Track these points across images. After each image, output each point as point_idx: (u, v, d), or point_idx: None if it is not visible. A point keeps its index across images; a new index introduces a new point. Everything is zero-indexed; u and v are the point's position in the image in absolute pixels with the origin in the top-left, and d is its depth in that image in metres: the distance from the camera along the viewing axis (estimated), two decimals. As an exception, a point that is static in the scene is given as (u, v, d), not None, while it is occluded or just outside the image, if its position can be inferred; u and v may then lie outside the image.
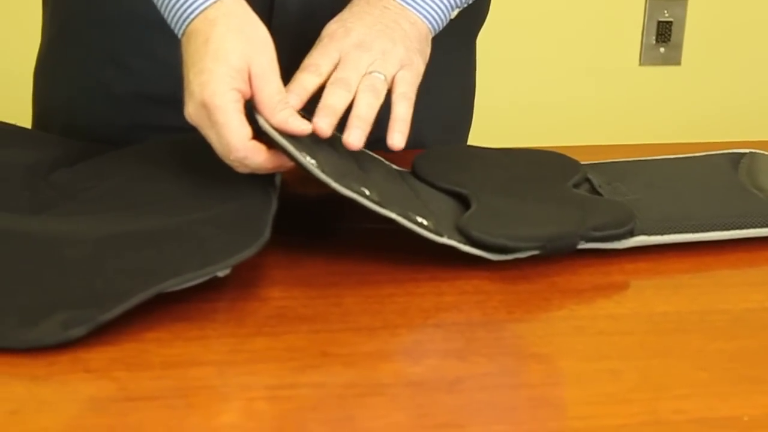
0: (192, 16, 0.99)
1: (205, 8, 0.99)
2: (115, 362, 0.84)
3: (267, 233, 0.95)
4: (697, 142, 1.25)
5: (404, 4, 1.08)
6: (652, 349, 0.90)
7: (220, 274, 0.93)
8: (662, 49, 2.46)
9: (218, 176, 1.05)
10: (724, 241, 1.05)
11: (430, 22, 1.09)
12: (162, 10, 1.02)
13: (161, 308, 0.89)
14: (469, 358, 0.88)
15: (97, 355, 0.85)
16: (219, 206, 1.00)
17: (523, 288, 0.97)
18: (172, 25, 1.01)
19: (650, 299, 0.97)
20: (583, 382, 0.86)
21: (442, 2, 1.09)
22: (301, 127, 0.97)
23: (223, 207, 1.00)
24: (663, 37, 2.46)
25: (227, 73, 0.96)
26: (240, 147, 0.96)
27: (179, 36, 1.01)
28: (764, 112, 2.45)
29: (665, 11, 2.45)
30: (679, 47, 2.48)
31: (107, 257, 0.94)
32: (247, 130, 0.96)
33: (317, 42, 1.05)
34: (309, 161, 0.96)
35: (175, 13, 1.00)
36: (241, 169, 0.98)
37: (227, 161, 0.98)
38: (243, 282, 0.95)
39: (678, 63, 2.47)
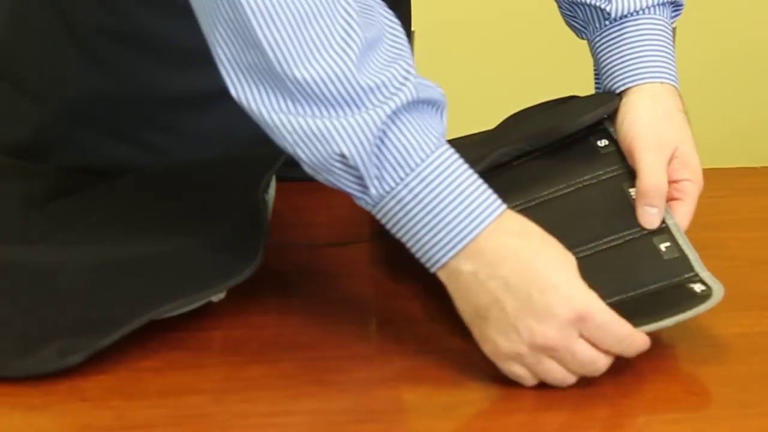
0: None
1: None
2: (111, 391, 0.85)
3: (260, 257, 0.95)
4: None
5: (671, 84, 1.05)
6: (643, 374, 0.90)
7: (215, 299, 0.93)
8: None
9: (211, 202, 1.06)
10: (712, 267, 1.05)
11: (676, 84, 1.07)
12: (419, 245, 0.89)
13: (157, 337, 0.90)
14: (463, 383, 0.88)
15: (94, 384, 0.85)
16: (212, 231, 1.00)
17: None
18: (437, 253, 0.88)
19: (641, 324, 0.97)
20: (576, 407, 0.86)
21: (673, 58, 1.06)
22: None
23: (215, 232, 1.00)
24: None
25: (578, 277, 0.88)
26: (628, 331, 0.88)
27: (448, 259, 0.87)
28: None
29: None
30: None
31: (102, 285, 0.94)
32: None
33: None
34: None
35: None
36: (629, 354, 0.89)
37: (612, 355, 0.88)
38: (238, 310, 0.96)
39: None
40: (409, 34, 1.32)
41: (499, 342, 0.87)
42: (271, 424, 0.83)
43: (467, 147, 1.00)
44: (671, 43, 1.07)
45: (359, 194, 0.88)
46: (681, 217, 0.98)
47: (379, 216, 0.88)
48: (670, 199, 0.99)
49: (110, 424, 0.81)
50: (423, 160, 0.86)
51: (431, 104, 0.89)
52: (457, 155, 0.87)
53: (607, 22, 1.07)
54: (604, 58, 1.07)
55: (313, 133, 0.86)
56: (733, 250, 1.07)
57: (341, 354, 0.91)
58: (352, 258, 1.05)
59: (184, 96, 1.14)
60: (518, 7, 2.31)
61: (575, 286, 0.87)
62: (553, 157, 1.01)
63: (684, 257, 0.95)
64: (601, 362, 0.87)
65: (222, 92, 1.14)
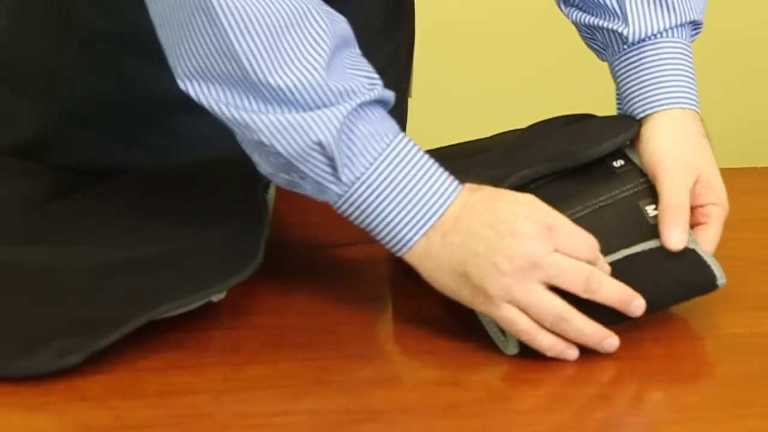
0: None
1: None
2: (110, 391, 0.85)
3: (260, 256, 0.95)
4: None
5: (692, 109, 1.05)
6: (643, 375, 0.90)
7: (215, 299, 0.93)
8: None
9: (211, 202, 1.06)
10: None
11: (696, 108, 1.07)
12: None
13: (156, 337, 0.90)
14: (462, 383, 0.88)
15: (93, 384, 0.85)
16: (211, 231, 1.00)
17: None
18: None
19: (641, 325, 0.97)
20: (576, 407, 0.86)
21: (693, 82, 1.06)
22: None
23: (215, 232, 1.00)
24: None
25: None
26: (593, 239, 0.92)
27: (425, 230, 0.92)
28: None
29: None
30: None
31: (102, 285, 0.94)
32: None
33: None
34: None
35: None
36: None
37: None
38: (237, 310, 0.96)
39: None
40: (413, 33, 1.32)
41: (486, 287, 0.89)
42: (271, 424, 0.83)
43: (485, 164, 1.02)
44: (691, 65, 1.07)
45: (330, 183, 0.91)
46: (707, 240, 0.98)
47: (345, 206, 0.92)
48: (695, 223, 0.99)
49: (109, 424, 0.81)
50: (388, 145, 0.91)
51: (385, 105, 0.94)
52: (412, 141, 0.92)
53: (625, 46, 1.07)
54: (624, 82, 1.07)
55: (290, 124, 0.90)
56: (733, 251, 1.07)
57: (340, 354, 0.91)
58: (352, 258, 1.05)
59: (185, 98, 1.14)
60: (519, 7, 2.32)
61: (533, 207, 0.91)
62: (570, 180, 1.01)
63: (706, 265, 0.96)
64: (585, 270, 0.90)
65: None
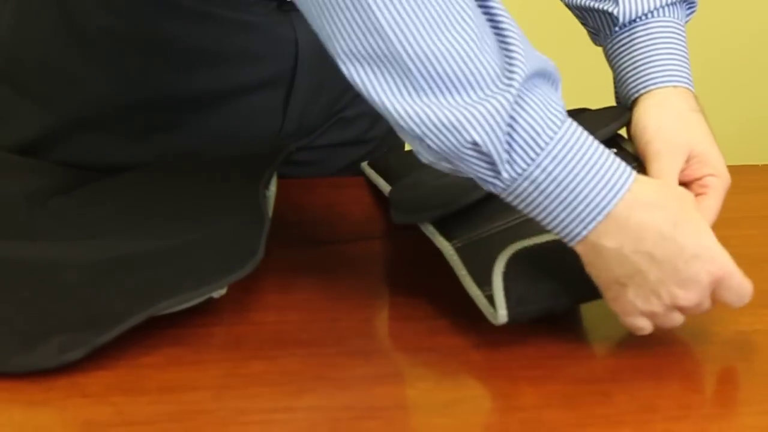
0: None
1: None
2: (112, 387, 0.85)
3: (261, 252, 0.95)
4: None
5: (684, 86, 1.05)
6: (643, 372, 0.90)
7: (216, 294, 0.93)
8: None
9: (211, 197, 1.06)
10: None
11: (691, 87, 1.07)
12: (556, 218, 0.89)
13: (157, 333, 0.90)
14: (462, 381, 0.88)
15: (94, 380, 0.85)
16: (212, 227, 1.00)
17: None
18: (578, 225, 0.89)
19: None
20: (576, 405, 0.86)
21: (685, 59, 1.06)
22: None
23: (216, 227, 1.00)
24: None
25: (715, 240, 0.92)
26: (750, 290, 0.93)
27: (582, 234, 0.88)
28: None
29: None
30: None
31: (103, 281, 0.94)
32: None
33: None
34: None
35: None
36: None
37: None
38: (238, 306, 0.96)
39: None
40: None
41: (637, 303, 0.90)
42: (272, 421, 0.83)
43: None
44: (683, 44, 1.06)
45: (490, 179, 0.88)
46: (706, 210, 0.98)
47: (510, 198, 0.89)
48: (695, 195, 0.98)
49: (110, 420, 0.82)
50: (552, 138, 0.86)
51: (546, 77, 0.89)
52: (580, 128, 0.88)
53: (617, 28, 1.07)
54: (617, 65, 1.07)
55: (443, 124, 0.86)
56: (734, 248, 1.06)
57: (341, 350, 0.91)
58: (353, 255, 1.05)
59: (189, 97, 1.14)
60: (521, 7, 2.31)
61: (714, 251, 0.90)
62: None
63: None
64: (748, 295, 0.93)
65: (226, 93, 1.15)
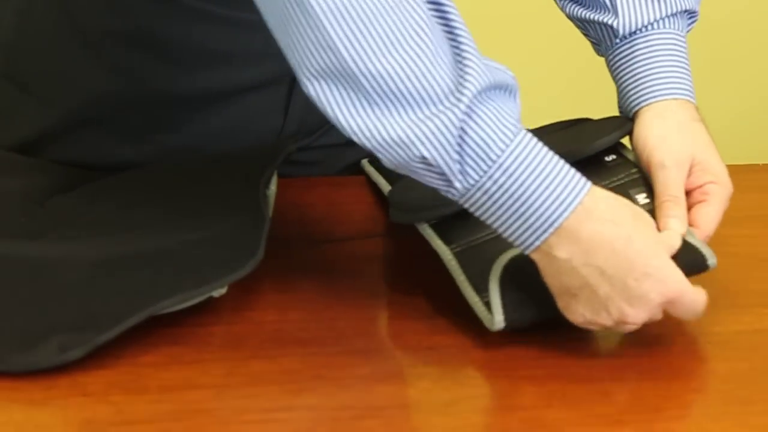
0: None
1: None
2: (112, 386, 0.85)
3: (261, 251, 0.95)
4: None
5: (685, 99, 1.05)
6: (644, 371, 0.90)
7: (216, 294, 0.93)
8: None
9: (212, 197, 1.06)
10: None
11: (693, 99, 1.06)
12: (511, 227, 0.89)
13: (158, 332, 0.90)
14: (462, 380, 0.88)
15: (95, 379, 0.85)
16: (213, 226, 1.01)
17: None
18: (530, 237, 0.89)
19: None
20: (576, 404, 0.86)
21: (686, 71, 1.06)
22: None
23: (216, 227, 1.00)
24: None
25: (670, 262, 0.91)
26: (703, 306, 0.92)
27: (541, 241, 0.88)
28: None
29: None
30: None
31: (103, 280, 0.94)
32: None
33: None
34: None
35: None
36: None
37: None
38: (238, 306, 0.96)
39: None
40: None
41: (587, 315, 0.90)
42: (272, 419, 0.83)
43: None
44: (684, 55, 1.06)
45: (445, 188, 0.88)
46: (706, 217, 0.98)
47: (467, 206, 0.89)
48: (695, 203, 0.99)
49: (111, 419, 0.82)
50: (503, 151, 0.86)
51: (503, 89, 0.89)
52: (535, 139, 0.88)
53: (617, 40, 1.06)
54: (618, 78, 1.07)
55: (393, 140, 0.86)
56: (735, 247, 1.07)
57: (341, 349, 0.91)
58: (353, 254, 1.05)
59: (190, 96, 1.14)
60: (522, 7, 2.31)
61: (667, 272, 0.89)
62: None
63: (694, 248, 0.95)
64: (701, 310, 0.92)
65: (228, 93, 1.15)
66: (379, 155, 0.87)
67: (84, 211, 1.06)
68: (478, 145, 0.86)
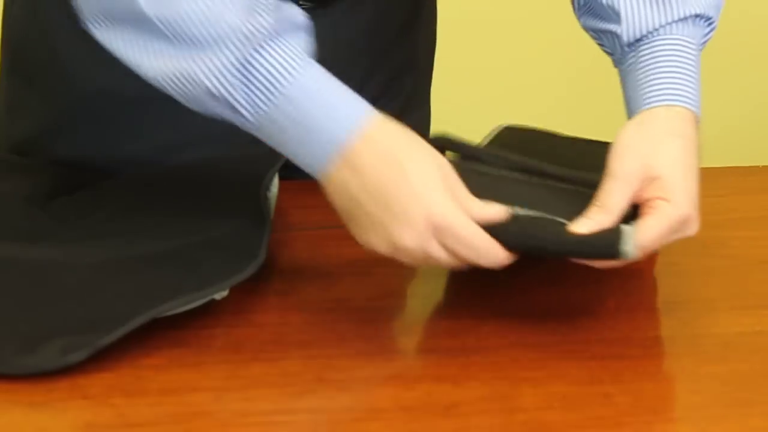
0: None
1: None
2: (112, 389, 0.85)
3: (262, 254, 0.96)
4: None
5: (682, 105, 1.01)
6: (644, 373, 0.90)
7: (217, 297, 0.94)
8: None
9: (213, 200, 1.06)
10: (714, 266, 1.05)
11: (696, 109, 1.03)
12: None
13: (158, 335, 0.90)
14: (463, 382, 0.88)
15: (95, 382, 0.85)
16: (214, 229, 1.01)
17: (516, 313, 0.98)
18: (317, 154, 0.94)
19: (642, 323, 0.97)
20: (577, 406, 0.86)
21: (689, 77, 1.02)
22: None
23: (218, 230, 1.01)
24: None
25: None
26: (488, 245, 0.91)
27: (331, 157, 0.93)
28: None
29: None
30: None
31: (105, 283, 0.95)
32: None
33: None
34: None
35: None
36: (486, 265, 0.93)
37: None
38: (239, 308, 0.96)
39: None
40: (434, 38, 1.31)
41: (363, 236, 0.93)
42: (272, 422, 0.83)
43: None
44: (690, 60, 1.02)
45: (238, 120, 0.94)
46: (644, 228, 0.93)
47: (262, 137, 0.95)
48: (642, 215, 0.95)
49: (112, 422, 0.82)
50: (291, 83, 0.92)
51: (292, 26, 0.94)
52: (323, 70, 0.93)
53: (626, 48, 1.04)
54: (623, 86, 1.04)
55: (182, 75, 0.93)
56: (735, 249, 1.07)
57: (342, 352, 0.91)
58: (354, 257, 1.05)
59: None
60: (523, 7, 2.31)
61: (434, 198, 0.91)
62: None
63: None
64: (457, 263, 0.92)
65: None
66: (171, 91, 0.94)
67: (85, 214, 1.07)
68: (265, 77, 0.92)
